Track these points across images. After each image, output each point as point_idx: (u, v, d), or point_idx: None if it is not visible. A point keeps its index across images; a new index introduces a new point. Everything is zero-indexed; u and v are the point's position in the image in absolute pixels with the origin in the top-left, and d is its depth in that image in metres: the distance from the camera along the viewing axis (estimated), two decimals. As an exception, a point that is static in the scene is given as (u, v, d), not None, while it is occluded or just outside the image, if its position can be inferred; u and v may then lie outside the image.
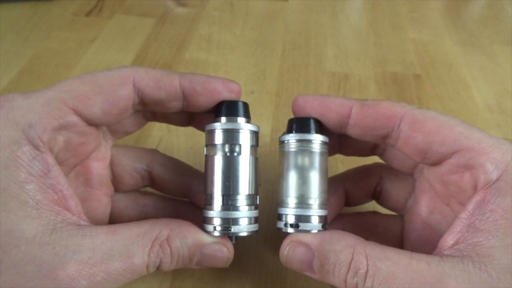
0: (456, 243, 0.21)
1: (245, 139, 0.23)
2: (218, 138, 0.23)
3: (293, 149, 0.24)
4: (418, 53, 0.53)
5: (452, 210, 0.24)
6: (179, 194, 0.29)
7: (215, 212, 0.23)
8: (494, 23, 0.61)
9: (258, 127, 0.24)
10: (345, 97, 0.24)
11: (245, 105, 0.24)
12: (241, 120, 0.24)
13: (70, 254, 0.19)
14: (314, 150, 0.24)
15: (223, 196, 0.23)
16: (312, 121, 0.24)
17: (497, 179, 0.21)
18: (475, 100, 0.46)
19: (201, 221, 0.24)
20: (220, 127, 0.23)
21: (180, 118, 0.27)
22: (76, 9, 0.56)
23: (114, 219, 0.28)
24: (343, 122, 0.24)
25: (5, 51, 0.47)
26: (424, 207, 0.26)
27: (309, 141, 0.24)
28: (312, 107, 0.24)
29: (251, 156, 0.24)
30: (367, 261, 0.20)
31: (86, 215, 0.25)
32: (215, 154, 0.23)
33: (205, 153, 0.24)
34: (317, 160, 0.24)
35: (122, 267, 0.20)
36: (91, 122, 0.23)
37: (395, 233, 0.28)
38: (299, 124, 0.24)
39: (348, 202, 0.29)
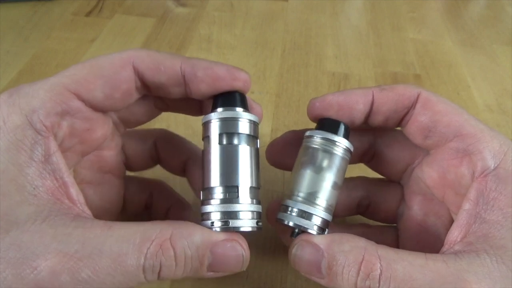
0: (465, 236, 0.21)
1: (243, 128, 0.22)
2: (215, 128, 0.22)
3: (316, 146, 0.24)
4: (418, 53, 0.53)
5: (447, 203, 0.24)
6: (181, 172, 0.29)
7: (213, 206, 0.21)
8: (494, 23, 0.61)
9: (257, 117, 0.23)
10: (361, 87, 0.24)
11: (242, 95, 0.23)
12: (238, 109, 0.23)
13: (55, 244, 0.18)
14: (336, 152, 0.23)
15: (221, 188, 0.21)
16: (342, 125, 0.24)
17: (496, 167, 0.21)
18: (475, 100, 0.46)
19: (199, 220, 0.22)
20: (216, 117, 0.22)
21: (191, 107, 0.26)
22: (76, 9, 0.56)
23: (125, 203, 0.28)
24: (368, 112, 0.24)
25: (5, 51, 0.47)
26: (418, 210, 0.26)
27: (334, 142, 0.23)
28: (338, 103, 0.24)
29: (250, 147, 0.22)
30: (380, 263, 0.19)
31: (101, 199, 0.25)
32: (211, 145, 0.22)
33: (202, 148, 0.23)
34: (336, 162, 0.23)
35: (111, 266, 0.18)
36: (95, 107, 0.22)
37: (389, 245, 0.27)
38: (329, 124, 0.24)
39: None
